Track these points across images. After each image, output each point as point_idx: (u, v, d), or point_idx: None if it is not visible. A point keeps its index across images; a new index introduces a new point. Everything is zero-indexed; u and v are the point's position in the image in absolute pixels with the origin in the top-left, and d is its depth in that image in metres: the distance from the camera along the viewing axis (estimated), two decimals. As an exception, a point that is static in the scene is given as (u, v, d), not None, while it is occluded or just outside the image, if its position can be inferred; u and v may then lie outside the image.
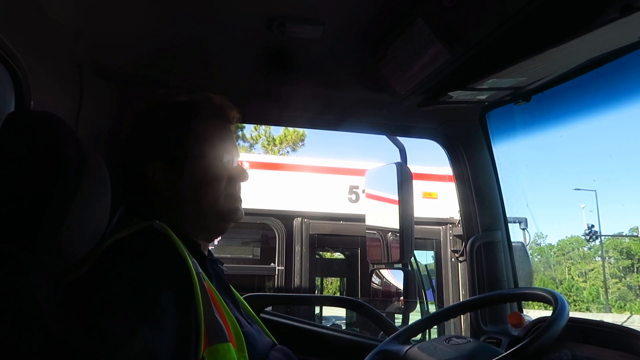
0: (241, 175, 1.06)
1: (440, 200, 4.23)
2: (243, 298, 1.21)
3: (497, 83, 1.29)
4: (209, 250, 1.09)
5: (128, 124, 1.05)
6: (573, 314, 1.07)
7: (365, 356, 1.16)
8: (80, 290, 0.78)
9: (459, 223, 3.95)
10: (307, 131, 17.40)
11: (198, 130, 1.02)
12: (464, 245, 1.92)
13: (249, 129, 17.28)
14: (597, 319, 1.53)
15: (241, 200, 1.08)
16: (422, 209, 3.96)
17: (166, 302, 0.77)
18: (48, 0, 1.06)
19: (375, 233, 1.83)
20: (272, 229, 3.97)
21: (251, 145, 17.67)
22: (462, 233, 2.79)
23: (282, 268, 3.88)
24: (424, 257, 4.34)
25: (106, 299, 0.74)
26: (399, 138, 1.80)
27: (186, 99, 1.05)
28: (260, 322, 1.16)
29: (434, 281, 4.07)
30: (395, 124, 1.72)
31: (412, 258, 2.55)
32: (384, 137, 1.81)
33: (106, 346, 0.69)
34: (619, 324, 1.33)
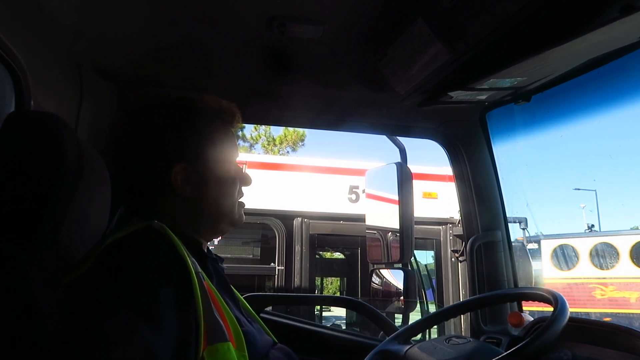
0: (247, 179, 1.09)
1: (440, 200, 4.23)
2: (243, 298, 1.21)
3: (497, 83, 1.29)
4: (208, 249, 1.09)
5: (131, 122, 1.05)
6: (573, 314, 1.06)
7: (365, 356, 1.16)
8: (79, 290, 0.78)
9: (459, 223, 3.95)
10: (307, 131, 17.41)
11: (213, 132, 1.03)
12: (464, 245, 1.92)
13: (249, 129, 17.30)
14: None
15: (244, 205, 1.10)
16: (422, 209, 3.96)
17: (166, 302, 0.77)
18: (48, 0, 1.06)
19: (375, 233, 1.83)
20: (272, 229, 3.97)
21: (251, 145, 17.69)
22: (462, 233, 2.79)
23: (282, 268, 3.88)
24: (424, 257, 4.34)
25: (106, 299, 0.74)
26: (399, 138, 1.80)
27: (194, 98, 1.05)
28: (261, 321, 1.16)
29: (434, 281, 4.07)
30: (395, 124, 1.72)
31: (412, 258, 2.55)
32: (384, 137, 1.81)
33: (106, 346, 0.69)
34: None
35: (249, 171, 1.10)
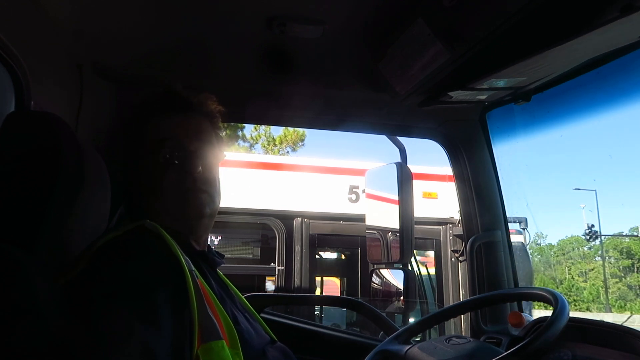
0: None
1: (440, 200, 4.22)
2: (244, 298, 1.21)
3: (497, 83, 1.29)
4: (209, 247, 1.09)
5: (122, 121, 1.07)
6: (573, 314, 1.06)
7: (365, 356, 1.16)
8: (76, 290, 0.78)
9: (459, 223, 3.95)
10: (307, 131, 17.40)
11: (152, 128, 1.03)
12: (464, 245, 1.92)
13: (249, 129, 17.29)
14: (598, 318, 1.53)
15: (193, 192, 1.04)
16: (422, 209, 3.96)
17: (162, 301, 0.77)
18: (48, 0, 1.06)
19: (375, 233, 1.83)
20: (272, 229, 3.97)
21: (251, 145, 17.69)
22: (462, 233, 2.79)
23: (282, 268, 3.88)
24: (424, 257, 4.34)
25: (103, 300, 0.74)
26: (399, 138, 1.80)
27: (150, 95, 1.07)
28: (260, 319, 1.16)
29: (434, 281, 4.07)
30: (395, 124, 1.72)
31: (412, 258, 2.55)
32: (384, 137, 1.81)
33: (105, 346, 0.69)
34: (619, 323, 1.33)
35: (250, 171, 1.09)
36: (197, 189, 1.00)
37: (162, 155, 0.99)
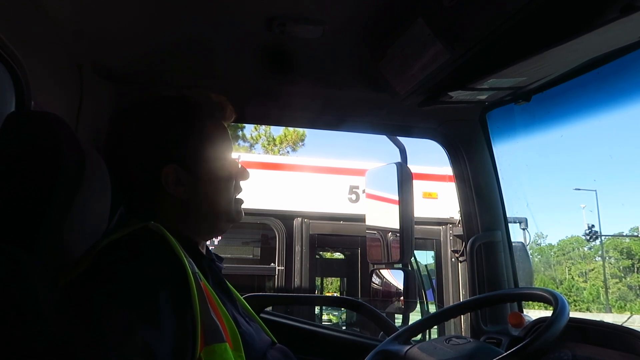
0: (244, 174, 1.07)
1: (440, 200, 4.23)
2: (243, 298, 1.21)
3: (497, 83, 1.29)
4: (207, 248, 1.09)
5: (127, 122, 1.02)
6: (573, 314, 1.06)
7: (365, 356, 1.16)
8: (77, 291, 0.78)
9: (459, 223, 3.95)
10: (307, 131, 17.42)
11: (204, 130, 1.01)
12: (464, 245, 1.92)
13: (249, 129, 17.31)
14: (597, 319, 1.53)
15: (242, 201, 1.09)
16: (422, 209, 3.96)
17: (163, 302, 0.77)
18: (48, 0, 1.06)
19: (375, 233, 1.83)
20: (272, 229, 3.97)
21: (251, 145, 17.70)
22: (462, 233, 2.79)
23: (282, 268, 3.88)
24: (424, 257, 4.34)
25: (104, 300, 0.74)
26: (399, 138, 1.80)
27: (187, 96, 1.03)
28: (260, 321, 1.16)
29: (434, 281, 4.07)
30: (395, 124, 1.73)
31: (412, 258, 2.55)
32: (384, 137, 1.81)
33: (105, 346, 0.69)
34: (619, 324, 1.33)
35: (250, 171, 1.09)
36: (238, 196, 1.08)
37: (233, 162, 1.05)
